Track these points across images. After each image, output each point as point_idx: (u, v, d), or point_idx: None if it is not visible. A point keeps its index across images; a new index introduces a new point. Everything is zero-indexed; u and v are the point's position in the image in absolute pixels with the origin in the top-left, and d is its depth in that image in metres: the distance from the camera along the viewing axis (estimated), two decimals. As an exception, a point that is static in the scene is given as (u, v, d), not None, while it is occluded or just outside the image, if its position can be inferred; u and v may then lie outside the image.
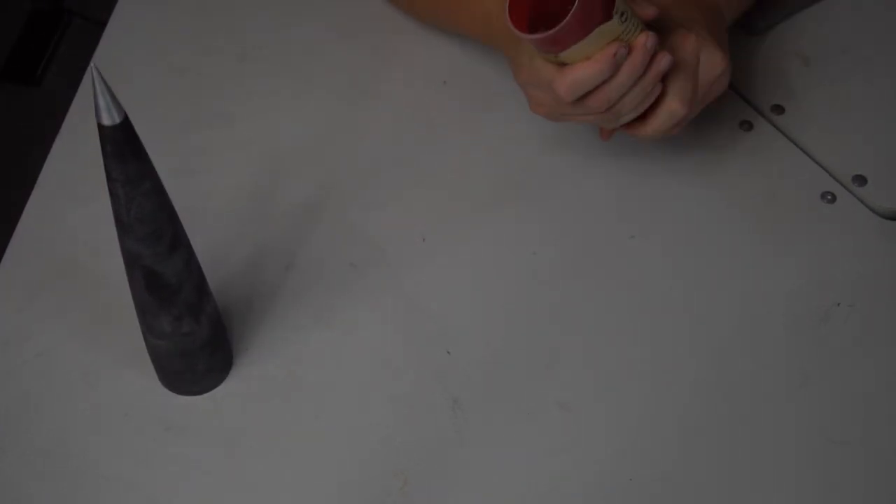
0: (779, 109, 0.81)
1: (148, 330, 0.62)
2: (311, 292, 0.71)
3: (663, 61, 0.65)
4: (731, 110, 0.82)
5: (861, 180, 0.77)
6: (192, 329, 0.61)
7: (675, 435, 0.66)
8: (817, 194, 0.77)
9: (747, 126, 0.81)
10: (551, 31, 0.60)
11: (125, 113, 0.50)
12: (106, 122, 0.49)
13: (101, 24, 0.86)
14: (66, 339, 0.69)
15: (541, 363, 0.69)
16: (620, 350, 0.70)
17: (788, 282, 0.73)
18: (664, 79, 0.67)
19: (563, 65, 0.64)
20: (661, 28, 0.67)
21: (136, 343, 0.67)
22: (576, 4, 0.59)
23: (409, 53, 0.84)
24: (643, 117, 0.69)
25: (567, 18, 0.59)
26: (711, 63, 0.68)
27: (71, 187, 0.76)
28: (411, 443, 0.65)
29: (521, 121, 0.81)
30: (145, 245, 0.56)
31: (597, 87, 0.65)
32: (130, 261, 0.57)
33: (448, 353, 0.69)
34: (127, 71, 0.83)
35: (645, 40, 0.63)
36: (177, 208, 0.58)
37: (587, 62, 0.63)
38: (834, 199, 0.77)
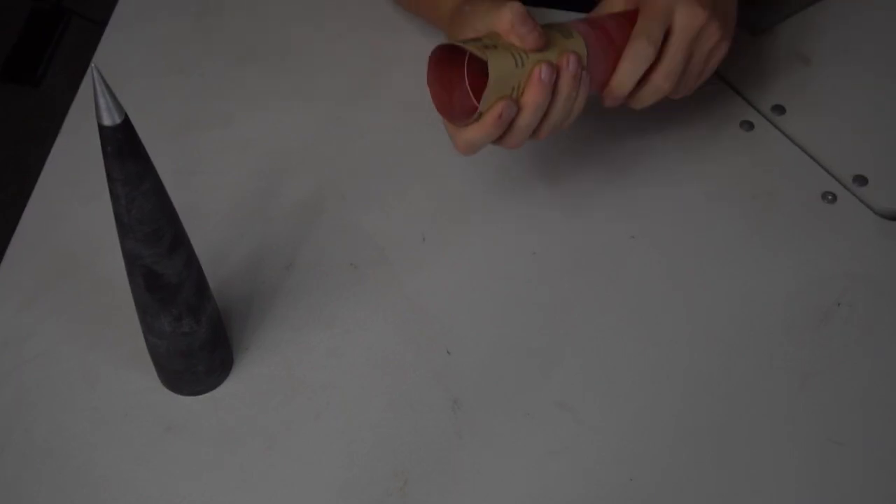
0: (779, 109, 0.81)
1: (148, 330, 0.62)
2: (311, 292, 0.71)
3: (565, 74, 0.62)
4: (731, 110, 0.82)
5: (861, 180, 0.77)
6: (192, 329, 0.61)
7: (674, 435, 0.66)
8: (817, 194, 0.77)
9: (747, 126, 0.81)
10: (463, 120, 0.63)
11: (125, 113, 0.50)
12: (106, 122, 0.50)
13: (101, 24, 0.86)
14: (66, 339, 0.69)
15: (541, 363, 0.69)
16: (620, 350, 0.70)
17: (788, 282, 0.73)
18: (660, 52, 0.66)
19: None
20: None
21: (136, 343, 0.67)
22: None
23: (409, 53, 0.84)
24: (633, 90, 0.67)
25: (475, 115, 0.62)
26: (708, 35, 0.67)
27: (71, 187, 0.76)
28: (411, 443, 0.65)
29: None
30: (145, 245, 0.56)
31: (508, 130, 0.64)
32: (131, 261, 0.57)
33: (448, 352, 0.69)
34: (127, 71, 0.83)
35: (538, 73, 0.61)
36: (177, 208, 0.58)
37: (475, 126, 0.63)
38: (834, 199, 0.77)
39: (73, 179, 0.76)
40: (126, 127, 0.50)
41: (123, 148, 0.51)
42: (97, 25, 0.86)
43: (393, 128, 0.80)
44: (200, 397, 0.66)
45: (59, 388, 0.67)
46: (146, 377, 0.67)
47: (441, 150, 0.79)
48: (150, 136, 0.82)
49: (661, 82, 0.67)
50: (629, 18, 0.67)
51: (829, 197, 0.77)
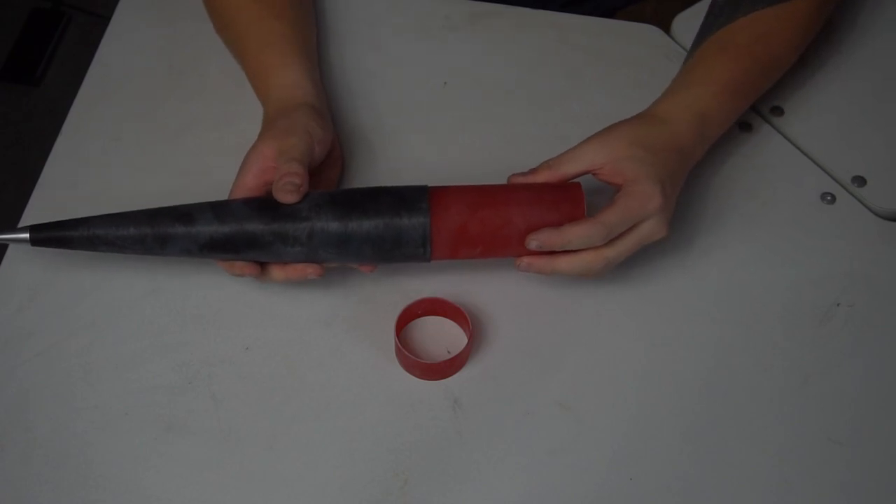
0: (778, 111, 0.81)
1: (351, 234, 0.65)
2: (311, 291, 0.71)
3: None
4: (731, 111, 0.82)
5: (861, 181, 0.78)
6: (361, 222, 0.65)
7: (675, 435, 0.66)
8: (817, 195, 0.77)
9: (747, 127, 0.81)
10: None
11: None
12: None
13: (103, 20, 0.86)
14: (66, 339, 0.69)
15: (541, 363, 0.69)
16: (620, 350, 0.70)
17: (788, 282, 0.73)
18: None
19: None
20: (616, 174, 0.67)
21: (137, 342, 0.67)
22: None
23: (409, 53, 0.84)
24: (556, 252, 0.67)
25: None
26: (650, 230, 0.67)
27: (71, 187, 0.76)
28: (411, 443, 0.65)
29: (521, 121, 0.81)
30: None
31: None
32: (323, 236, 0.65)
33: (448, 352, 0.69)
34: (128, 71, 0.83)
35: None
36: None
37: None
38: (834, 199, 0.77)
39: (73, 179, 0.76)
40: None
41: None
42: (99, 19, 0.86)
43: (393, 128, 0.80)
44: (201, 396, 0.66)
45: (60, 387, 0.67)
46: (146, 377, 0.67)
47: (441, 151, 0.79)
48: (151, 136, 0.82)
49: (594, 264, 0.66)
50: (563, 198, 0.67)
51: (828, 198, 0.77)
